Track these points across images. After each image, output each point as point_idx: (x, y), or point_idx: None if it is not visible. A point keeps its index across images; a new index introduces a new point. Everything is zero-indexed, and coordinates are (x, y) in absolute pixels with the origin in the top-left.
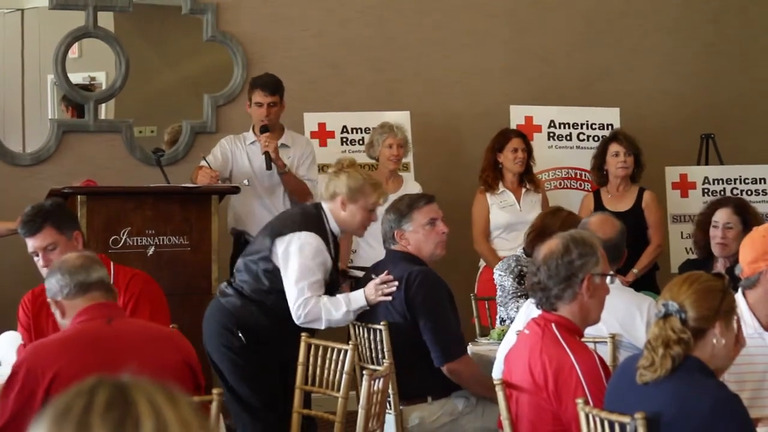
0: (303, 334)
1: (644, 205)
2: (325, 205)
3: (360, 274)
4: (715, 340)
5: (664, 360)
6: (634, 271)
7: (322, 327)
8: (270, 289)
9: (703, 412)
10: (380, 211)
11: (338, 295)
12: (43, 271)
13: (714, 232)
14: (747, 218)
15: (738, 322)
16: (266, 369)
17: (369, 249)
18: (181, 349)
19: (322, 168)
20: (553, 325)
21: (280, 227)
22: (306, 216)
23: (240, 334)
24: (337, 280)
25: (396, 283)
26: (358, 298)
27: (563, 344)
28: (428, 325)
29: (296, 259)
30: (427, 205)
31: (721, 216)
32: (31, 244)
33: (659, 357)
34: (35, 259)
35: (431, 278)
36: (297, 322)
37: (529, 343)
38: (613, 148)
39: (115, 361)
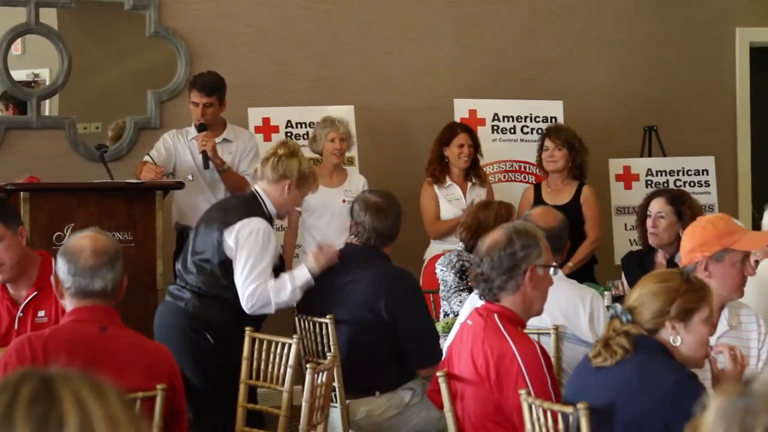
0: (247, 328)
1: (582, 200)
2: (262, 187)
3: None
4: (671, 339)
5: (610, 351)
6: (570, 264)
7: (272, 311)
8: (229, 284)
9: (666, 385)
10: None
11: (282, 275)
12: None
13: (648, 222)
14: (681, 209)
15: (708, 322)
16: (235, 367)
17: (313, 243)
18: (168, 370)
19: None
20: (495, 315)
21: (224, 218)
22: (247, 203)
23: (207, 335)
24: (281, 266)
25: (337, 248)
26: (301, 274)
27: (505, 334)
28: (411, 327)
29: (247, 246)
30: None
31: (654, 206)
32: None
33: (606, 350)
34: None
35: (413, 280)
36: (247, 311)
37: (472, 333)
38: (546, 143)
39: (99, 370)
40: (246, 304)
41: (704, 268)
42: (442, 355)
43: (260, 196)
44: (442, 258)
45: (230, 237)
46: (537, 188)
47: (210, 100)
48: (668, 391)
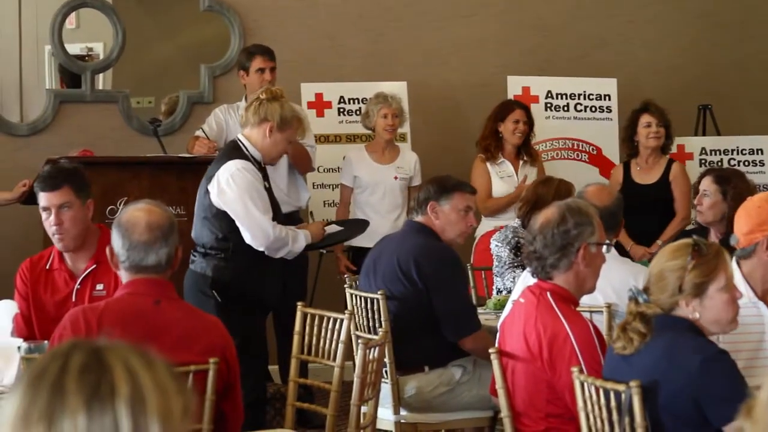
0: (299, 303)
1: (672, 177)
2: (245, 133)
3: (336, 228)
4: (690, 316)
5: (627, 338)
6: (659, 242)
7: (282, 255)
8: (225, 235)
9: (692, 367)
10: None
11: (297, 230)
12: (52, 230)
13: (697, 200)
14: (726, 189)
15: (728, 288)
16: (250, 327)
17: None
18: (220, 343)
19: (319, 138)
20: (548, 293)
21: (208, 172)
22: (226, 151)
23: (213, 293)
24: (280, 215)
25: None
26: (307, 237)
27: (558, 313)
28: (445, 302)
29: (231, 189)
30: (470, 194)
31: (702, 184)
32: (47, 199)
33: (624, 336)
34: (45, 216)
35: (452, 254)
36: (261, 246)
37: (524, 311)
38: (645, 119)
39: (153, 345)
40: (261, 241)
41: (766, 248)
42: (478, 326)
43: (241, 142)
44: (497, 233)
45: (214, 188)
46: (626, 167)
47: (274, 63)
48: (696, 371)
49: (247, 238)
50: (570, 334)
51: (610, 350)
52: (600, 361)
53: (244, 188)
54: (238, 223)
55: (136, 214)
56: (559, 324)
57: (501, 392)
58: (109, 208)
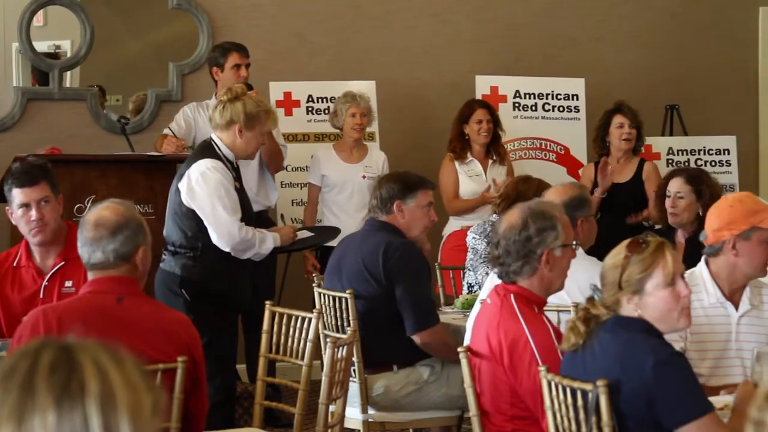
0: (267, 302)
1: (645, 176)
2: (216, 134)
3: (307, 233)
4: (634, 313)
5: (574, 335)
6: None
7: (248, 256)
8: (195, 234)
9: (646, 370)
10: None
11: (265, 231)
12: (31, 225)
13: (667, 202)
14: (700, 188)
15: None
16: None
17: (333, 218)
18: (187, 341)
19: (287, 137)
20: (511, 295)
21: (178, 174)
22: (199, 150)
23: (183, 291)
24: (252, 215)
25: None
26: (274, 240)
27: (520, 317)
28: (405, 294)
29: (201, 188)
30: (432, 190)
31: (673, 186)
32: (26, 195)
33: (572, 334)
34: (22, 213)
35: (415, 250)
36: (227, 247)
37: (489, 313)
38: (618, 119)
39: (116, 341)
40: (228, 238)
41: (732, 247)
42: (436, 322)
43: (215, 142)
44: (475, 226)
45: (184, 186)
46: (597, 166)
47: (249, 60)
48: (649, 374)
49: (214, 238)
50: (530, 340)
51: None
52: (560, 364)
53: (214, 188)
54: (205, 223)
55: (93, 212)
56: (520, 329)
57: (469, 391)
58: (76, 206)
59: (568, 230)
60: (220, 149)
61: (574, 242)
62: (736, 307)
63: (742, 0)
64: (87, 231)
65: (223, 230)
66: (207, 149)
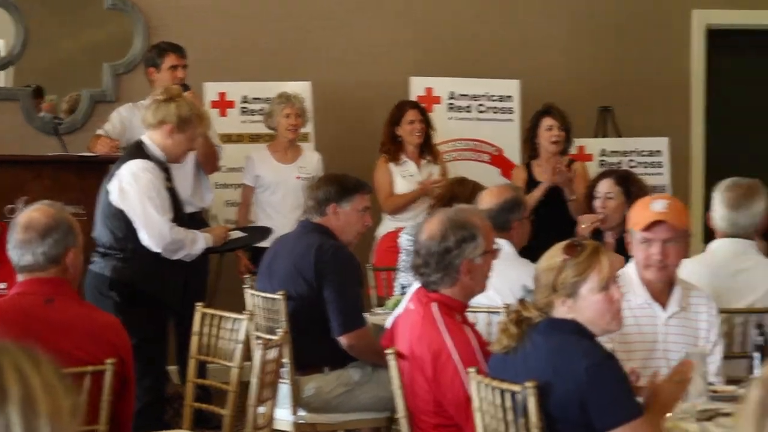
0: (198, 304)
1: (575, 176)
2: (148, 134)
3: (239, 234)
4: (567, 316)
5: (505, 337)
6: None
7: (179, 257)
8: (125, 235)
9: (578, 374)
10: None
11: (196, 231)
12: None
13: (596, 204)
14: (629, 189)
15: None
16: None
17: (267, 219)
18: (116, 342)
19: (222, 138)
20: (433, 304)
21: (109, 175)
22: (129, 151)
23: (113, 293)
24: (183, 216)
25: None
26: (206, 240)
27: (441, 328)
28: (332, 295)
29: (134, 187)
30: (368, 194)
31: (602, 187)
32: None
33: (502, 338)
34: None
35: (346, 252)
36: (157, 248)
37: (411, 320)
38: (547, 122)
39: (44, 346)
40: (159, 238)
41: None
42: (362, 324)
43: (145, 142)
44: (409, 227)
45: (114, 186)
46: (528, 167)
47: (186, 61)
48: (582, 376)
49: (144, 239)
50: (452, 352)
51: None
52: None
53: (144, 189)
54: (136, 224)
55: (24, 214)
56: (442, 341)
57: (397, 393)
58: (8, 207)
59: (488, 236)
60: (150, 149)
61: (494, 249)
62: (664, 308)
63: (675, 2)
64: (17, 233)
65: (154, 231)
66: (137, 150)
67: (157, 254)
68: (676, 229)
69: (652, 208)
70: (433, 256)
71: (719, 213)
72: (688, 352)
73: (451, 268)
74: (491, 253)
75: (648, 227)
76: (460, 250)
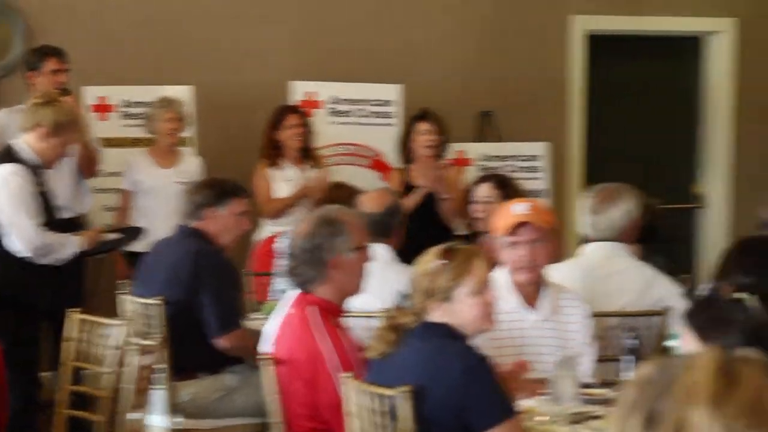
0: (72, 309)
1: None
2: (22, 137)
3: (112, 235)
4: (442, 320)
5: (381, 343)
6: None
7: (48, 261)
8: None
9: (454, 376)
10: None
11: (68, 235)
12: None
13: (474, 208)
14: (508, 193)
15: (477, 292)
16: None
17: (146, 224)
18: None
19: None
20: (310, 308)
21: None
22: None
23: None
24: (55, 220)
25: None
26: (77, 244)
27: (318, 332)
28: (209, 299)
29: (3, 191)
30: (245, 198)
31: (481, 191)
32: None
33: (378, 343)
34: None
35: (223, 257)
36: (27, 252)
37: (290, 325)
38: (422, 126)
39: None
40: (29, 244)
41: None
42: (238, 326)
43: (17, 146)
44: (288, 232)
45: None
46: (405, 172)
47: (68, 65)
48: (457, 379)
49: (12, 243)
50: (328, 356)
51: (375, 359)
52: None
53: (13, 193)
54: (4, 228)
55: None
56: (318, 345)
57: (272, 399)
58: None
59: (359, 233)
60: (22, 153)
61: (364, 246)
62: (534, 312)
63: (552, 8)
64: None
65: (22, 235)
66: (6, 154)
67: (26, 258)
68: (541, 229)
69: (514, 211)
70: (304, 253)
71: (583, 219)
72: (559, 357)
73: (321, 264)
74: (362, 250)
75: (513, 230)
76: (330, 245)
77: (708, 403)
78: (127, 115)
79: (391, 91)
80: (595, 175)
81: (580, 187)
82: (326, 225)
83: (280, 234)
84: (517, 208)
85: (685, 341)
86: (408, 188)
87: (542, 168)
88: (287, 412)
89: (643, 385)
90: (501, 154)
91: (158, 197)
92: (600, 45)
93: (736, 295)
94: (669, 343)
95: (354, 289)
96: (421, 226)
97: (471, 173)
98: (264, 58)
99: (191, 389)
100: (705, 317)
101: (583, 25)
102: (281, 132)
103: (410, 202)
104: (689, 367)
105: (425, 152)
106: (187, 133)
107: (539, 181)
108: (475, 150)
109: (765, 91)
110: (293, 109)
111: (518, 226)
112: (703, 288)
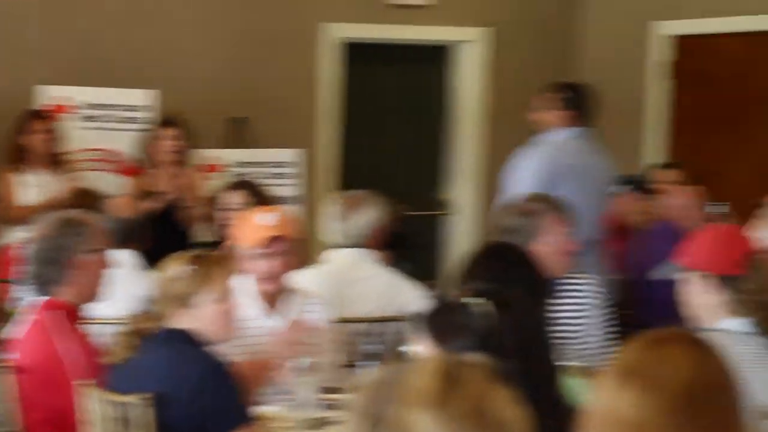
0: None
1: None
2: None
3: None
4: (185, 326)
5: (123, 348)
6: None
7: None
8: None
9: (192, 380)
10: None
11: None
12: None
13: (222, 215)
14: (257, 200)
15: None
16: None
17: None
18: None
19: None
20: (51, 314)
21: None
22: None
23: None
24: None
25: None
26: None
27: (58, 338)
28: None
29: None
30: None
31: (231, 198)
32: None
33: (120, 349)
34: None
35: None
36: None
37: (28, 330)
38: (166, 132)
39: None
40: None
41: None
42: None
43: None
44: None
45: None
46: (146, 176)
47: None
48: (195, 384)
49: None
50: (65, 360)
51: (117, 365)
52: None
53: None
54: None
55: None
56: (55, 349)
57: (13, 406)
58: None
59: (96, 235)
60: None
61: (99, 249)
62: (277, 319)
63: (303, 15)
64: None
65: None
66: None
67: None
68: (290, 240)
69: (262, 222)
70: (44, 254)
71: (330, 225)
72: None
73: (61, 264)
74: (100, 252)
75: (267, 243)
76: (68, 246)
77: (429, 406)
78: None
79: (143, 96)
80: (347, 181)
81: (331, 193)
82: (66, 226)
83: (22, 240)
84: (265, 219)
85: (421, 346)
86: (150, 194)
87: (294, 174)
88: (28, 421)
89: (370, 390)
90: (254, 161)
91: None
92: (356, 53)
93: (469, 300)
94: (403, 348)
95: (94, 293)
96: (164, 232)
97: (222, 180)
98: (9, 62)
99: None
100: (439, 322)
101: (336, 32)
102: (26, 137)
103: (148, 206)
104: (414, 371)
105: (169, 158)
106: None
107: (291, 188)
108: (228, 156)
109: (515, 99)
110: (39, 114)
111: (270, 240)
112: (442, 292)
